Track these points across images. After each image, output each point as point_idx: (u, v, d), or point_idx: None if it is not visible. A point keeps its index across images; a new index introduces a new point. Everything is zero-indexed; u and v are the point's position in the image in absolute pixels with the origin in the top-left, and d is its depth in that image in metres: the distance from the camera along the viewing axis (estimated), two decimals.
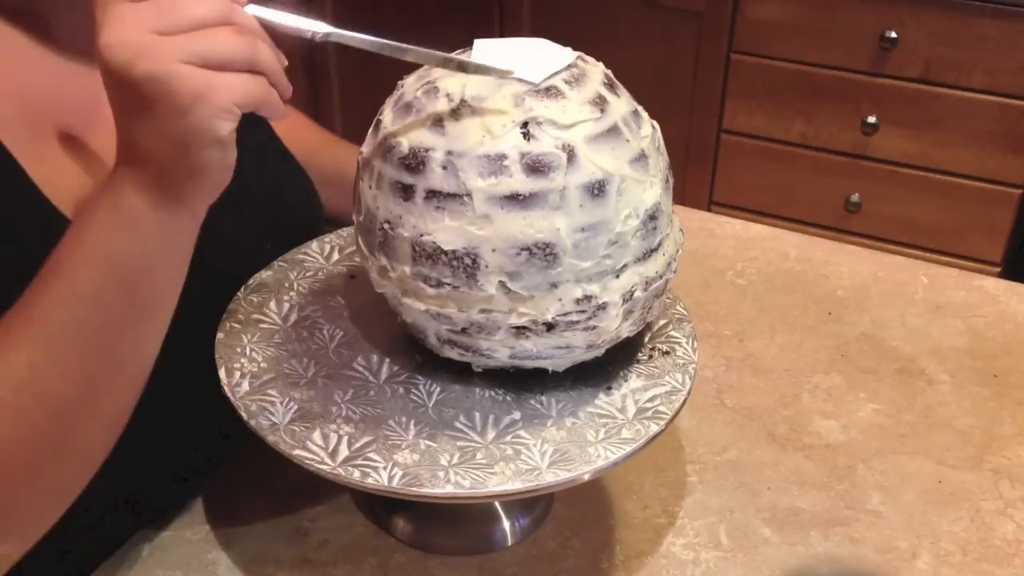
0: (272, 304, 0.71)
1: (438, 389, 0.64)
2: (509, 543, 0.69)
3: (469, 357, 0.63)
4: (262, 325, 0.69)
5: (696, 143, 1.99)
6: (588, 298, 0.58)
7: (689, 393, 0.64)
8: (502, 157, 0.56)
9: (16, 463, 0.54)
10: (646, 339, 0.69)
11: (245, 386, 0.63)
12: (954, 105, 1.76)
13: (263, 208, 0.78)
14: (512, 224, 0.56)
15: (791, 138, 1.92)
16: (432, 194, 0.57)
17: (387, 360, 0.67)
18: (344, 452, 0.58)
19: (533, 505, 0.71)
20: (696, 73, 1.94)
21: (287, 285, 0.73)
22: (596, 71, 0.61)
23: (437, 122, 0.57)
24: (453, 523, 0.71)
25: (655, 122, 0.64)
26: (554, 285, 0.57)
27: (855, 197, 1.91)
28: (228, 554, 0.67)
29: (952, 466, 0.76)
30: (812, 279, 0.98)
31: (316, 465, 0.57)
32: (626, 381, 0.65)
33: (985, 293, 0.96)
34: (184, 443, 0.71)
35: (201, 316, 0.68)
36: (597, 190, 0.56)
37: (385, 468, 0.57)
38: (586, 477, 0.58)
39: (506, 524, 0.70)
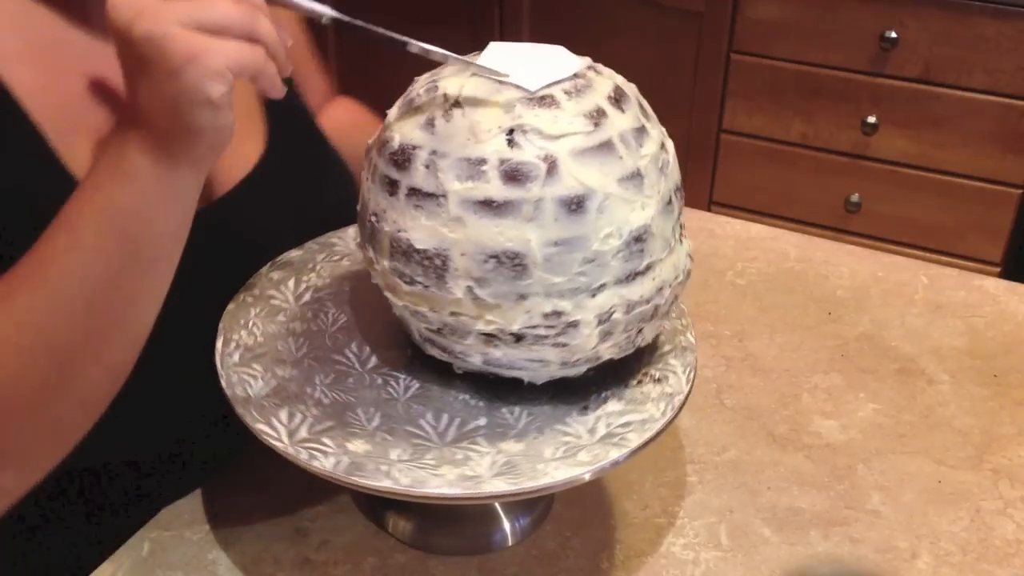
0: (290, 282, 0.72)
1: (416, 386, 0.64)
2: (509, 543, 0.69)
3: (448, 358, 0.63)
4: (272, 301, 0.70)
5: (696, 143, 1.99)
6: (557, 314, 0.57)
7: (668, 424, 0.61)
8: (481, 161, 0.55)
9: (17, 397, 0.56)
10: (642, 363, 0.66)
11: (235, 358, 0.64)
12: (954, 105, 1.76)
13: (294, 200, 0.79)
14: (483, 230, 0.55)
15: (791, 138, 1.92)
16: (413, 192, 0.57)
17: (378, 351, 0.67)
18: (303, 433, 0.59)
19: (533, 505, 0.71)
20: (696, 73, 1.94)
21: (311, 266, 0.74)
22: (605, 83, 0.59)
23: (429, 121, 0.57)
24: (453, 523, 0.71)
25: (670, 142, 0.61)
26: (522, 296, 0.56)
27: (855, 197, 1.91)
28: (228, 554, 0.67)
29: (952, 466, 0.76)
30: (812, 279, 0.98)
31: (271, 441, 0.58)
32: (605, 403, 0.63)
33: (985, 293, 0.96)
34: (190, 425, 0.71)
35: (217, 300, 0.68)
36: (575, 205, 0.55)
37: (334, 454, 0.57)
38: (531, 493, 0.56)
39: (506, 524, 0.70)
